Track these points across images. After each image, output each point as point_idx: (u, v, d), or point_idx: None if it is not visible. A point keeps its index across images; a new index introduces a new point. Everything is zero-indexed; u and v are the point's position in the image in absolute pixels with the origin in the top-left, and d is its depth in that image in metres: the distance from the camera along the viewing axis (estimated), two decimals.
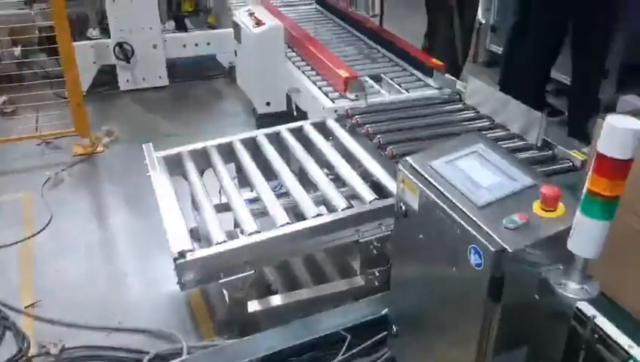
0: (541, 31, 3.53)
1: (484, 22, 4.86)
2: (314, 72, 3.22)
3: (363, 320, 1.95)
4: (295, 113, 3.25)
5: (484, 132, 2.53)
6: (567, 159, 2.27)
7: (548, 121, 2.42)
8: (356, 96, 2.85)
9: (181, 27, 4.74)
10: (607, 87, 3.67)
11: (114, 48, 4.07)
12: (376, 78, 3.17)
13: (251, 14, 3.38)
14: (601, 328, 1.44)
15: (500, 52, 4.71)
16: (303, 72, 3.23)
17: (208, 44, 4.42)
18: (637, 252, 1.41)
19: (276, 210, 2.10)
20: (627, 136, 1.05)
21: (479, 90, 2.76)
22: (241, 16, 3.52)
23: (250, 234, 1.95)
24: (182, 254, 1.83)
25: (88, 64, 4.11)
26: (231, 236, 2.20)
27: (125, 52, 4.09)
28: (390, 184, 2.17)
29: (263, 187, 2.27)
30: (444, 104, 2.85)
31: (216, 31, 4.53)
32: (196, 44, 4.39)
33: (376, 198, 2.08)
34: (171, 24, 4.70)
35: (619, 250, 1.22)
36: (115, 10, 4.02)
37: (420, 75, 3.13)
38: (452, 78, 3.04)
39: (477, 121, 2.62)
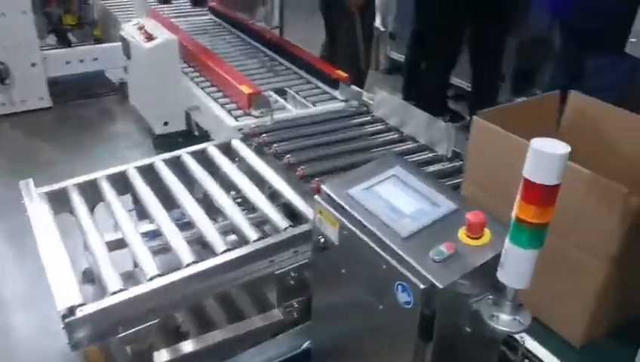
0: (440, 38, 3.59)
1: (383, 29, 4.90)
2: (214, 88, 3.03)
3: (283, 357, 1.80)
4: (196, 132, 3.04)
5: (394, 145, 2.49)
6: None
7: (456, 130, 2.41)
8: (261, 113, 2.70)
9: (64, 42, 4.34)
10: (505, 90, 3.80)
11: None
12: (281, 93, 3.05)
13: (141, 28, 3.12)
14: (532, 352, 1.39)
15: (401, 59, 4.78)
16: (203, 89, 3.03)
17: (95, 59, 4.06)
18: (565, 276, 1.37)
19: (180, 245, 1.89)
20: (554, 161, 0.99)
21: (386, 102, 2.71)
22: (129, 30, 3.24)
23: (150, 278, 1.73)
24: (71, 311, 1.58)
25: None
26: (131, 277, 1.96)
27: None
28: (303, 206, 2.04)
29: (163, 219, 2.04)
30: (352, 117, 2.77)
31: (103, 45, 4.18)
32: (81, 61, 4.02)
33: (290, 225, 1.94)
34: (53, 39, 4.29)
35: (547, 273, 1.21)
36: None
37: (325, 87, 3.04)
38: (358, 89, 2.97)
39: (386, 134, 2.56)
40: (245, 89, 2.71)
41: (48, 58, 3.88)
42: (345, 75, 2.94)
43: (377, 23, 4.98)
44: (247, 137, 2.58)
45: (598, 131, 1.61)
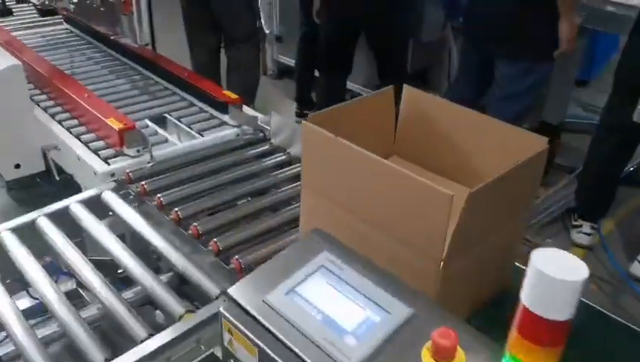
0: (330, 42, 3.32)
1: (268, 32, 4.54)
2: (75, 121, 2.49)
3: None
4: (58, 176, 2.48)
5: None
6: None
7: None
8: (138, 151, 2.23)
9: None
10: None
11: None
12: (160, 120, 2.58)
13: None
14: None
15: (290, 63, 4.45)
16: (60, 123, 2.48)
17: None
18: (404, 278, 1.17)
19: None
20: (570, 291, 0.70)
21: (284, 127, 2.36)
22: None
23: None
24: None
25: None
26: None
27: None
28: (199, 275, 1.65)
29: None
30: (248, 147, 2.38)
31: None
32: None
33: (189, 311, 1.53)
34: None
35: None
36: None
37: (213, 111, 2.61)
38: (252, 112, 2.59)
39: (291, 167, 2.21)
40: (115, 123, 2.22)
41: None
42: (235, 96, 2.54)
43: (262, 24, 4.62)
44: (122, 185, 2.11)
45: (433, 125, 1.57)
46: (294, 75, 4.07)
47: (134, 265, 1.73)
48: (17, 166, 2.58)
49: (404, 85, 1.64)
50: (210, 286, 1.62)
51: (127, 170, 2.11)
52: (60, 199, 2.81)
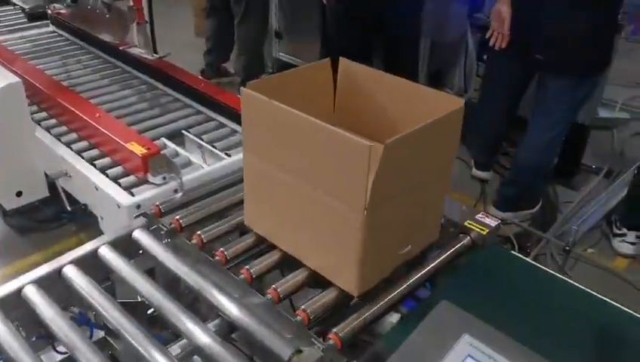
0: (349, 47, 3.10)
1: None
2: (85, 143, 2.24)
3: None
4: (69, 207, 2.23)
5: None
6: (461, 233, 1.82)
7: None
8: (164, 178, 2.01)
9: None
10: None
11: None
12: (177, 137, 2.35)
13: None
14: None
15: (291, 61, 4.23)
16: (68, 145, 2.22)
17: None
18: (332, 229, 1.41)
19: None
20: None
21: None
22: None
23: None
24: None
25: None
26: None
27: None
28: (263, 331, 1.46)
29: None
30: None
31: None
32: None
33: None
34: None
35: (318, 229, 1.43)
36: None
37: (235, 125, 2.39)
38: None
39: None
40: (137, 148, 1.99)
41: None
42: None
43: None
44: (152, 219, 1.88)
45: (367, 94, 1.67)
46: None
47: (181, 317, 1.52)
48: (19, 193, 2.32)
49: (340, 58, 1.69)
50: (279, 344, 1.43)
51: (157, 203, 1.89)
52: (64, 224, 2.58)
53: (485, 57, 3.21)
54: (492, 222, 1.80)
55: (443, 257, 1.69)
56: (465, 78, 3.54)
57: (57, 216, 2.54)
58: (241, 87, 1.49)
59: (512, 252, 1.73)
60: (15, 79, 2.16)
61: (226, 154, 2.23)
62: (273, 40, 4.19)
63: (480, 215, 1.81)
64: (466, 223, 1.77)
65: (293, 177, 1.46)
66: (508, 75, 2.84)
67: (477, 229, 1.77)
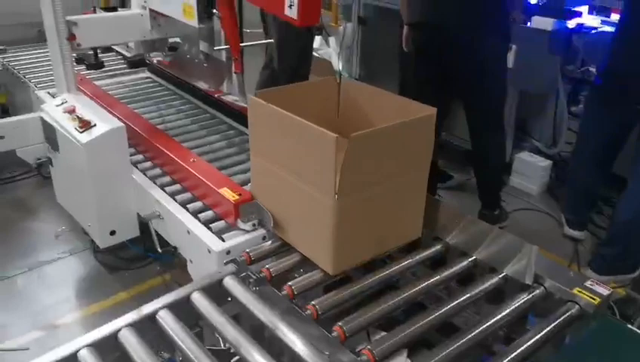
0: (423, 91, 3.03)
1: (347, 75, 4.35)
2: (178, 186, 2.29)
3: None
4: (160, 249, 2.28)
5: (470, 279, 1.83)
6: (569, 301, 1.69)
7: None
8: (254, 225, 2.01)
9: None
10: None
11: None
12: None
13: (71, 111, 2.33)
14: None
15: None
16: (162, 188, 2.29)
17: (2, 138, 3.17)
18: (312, 215, 1.65)
19: None
20: None
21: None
22: (53, 111, 2.43)
23: None
24: None
25: None
26: None
27: None
28: None
29: None
30: None
31: (11, 120, 3.29)
32: None
33: None
34: None
35: (300, 212, 1.72)
36: None
37: None
38: None
39: (455, 268, 1.88)
40: (229, 194, 2.01)
41: None
42: None
43: (335, 65, 4.44)
44: (241, 267, 1.88)
45: (364, 104, 1.97)
46: None
47: None
48: (112, 232, 2.40)
49: (341, 74, 2.08)
50: None
51: (247, 250, 1.89)
52: (149, 264, 2.64)
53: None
54: (604, 291, 1.66)
55: (550, 327, 1.56)
56: (555, 129, 3.40)
57: (144, 255, 2.61)
58: (250, 96, 1.77)
59: (630, 326, 1.58)
60: (118, 124, 2.27)
61: None
62: None
63: (589, 282, 1.68)
64: (574, 290, 1.65)
65: (285, 171, 1.72)
66: (605, 126, 2.71)
67: (587, 298, 1.63)
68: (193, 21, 2.34)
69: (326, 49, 4.30)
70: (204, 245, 1.96)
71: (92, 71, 3.02)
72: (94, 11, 3.22)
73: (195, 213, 2.12)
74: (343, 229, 1.59)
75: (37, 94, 3.08)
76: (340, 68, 4.37)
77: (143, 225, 2.35)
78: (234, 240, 1.97)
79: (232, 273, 1.83)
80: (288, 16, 1.83)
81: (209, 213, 2.12)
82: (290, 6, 1.82)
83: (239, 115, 2.77)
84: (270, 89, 1.99)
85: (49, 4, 2.36)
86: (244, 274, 1.86)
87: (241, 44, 2.33)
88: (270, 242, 1.96)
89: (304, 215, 1.71)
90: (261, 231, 2.01)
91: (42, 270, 2.62)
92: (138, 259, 2.64)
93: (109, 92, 3.08)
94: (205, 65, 2.53)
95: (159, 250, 2.27)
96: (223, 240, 1.97)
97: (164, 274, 2.59)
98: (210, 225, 2.04)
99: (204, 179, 2.12)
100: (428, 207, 1.93)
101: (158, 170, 2.42)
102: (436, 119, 2.91)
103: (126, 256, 2.64)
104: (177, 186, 2.29)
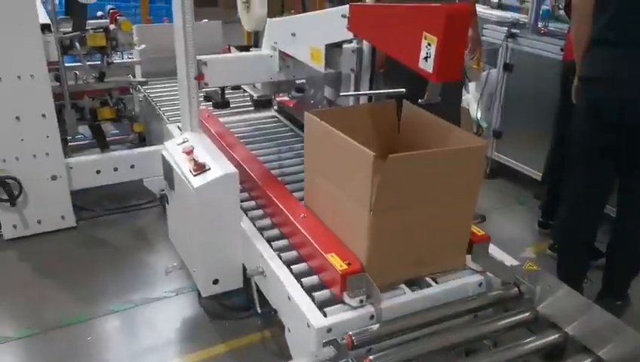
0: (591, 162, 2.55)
1: (485, 126, 3.97)
2: (285, 242, 2.12)
3: None
4: (259, 309, 2.11)
5: None
6: None
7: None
8: (361, 301, 1.75)
9: (99, 140, 3.60)
10: None
11: None
12: None
13: (189, 152, 2.27)
14: None
15: (508, 163, 3.82)
16: (269, 242, 2.12)
17: (132, 167, 3.27)
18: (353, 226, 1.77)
19: None
20: None
21: (559, 292, 1.72)
22: (173, 149, 2.40)
23: None
24: None
25: None
26: None
27: (9, 190, 2.88)
28: None
29: None
30: (499, 309, 1.80)
31: (142, 150, 3.40)
32: (115, 169, 3.23)
33: None
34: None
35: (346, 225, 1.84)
36: None
37: None
38: (504, 258, 1.99)
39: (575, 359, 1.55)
40: (337, 262, 1.78)
41: (75, 168, 3.10)
42: (482, 233, 1.98)
43: (474, 116, 4.08)
44: (342, 352, 1.63)
45: (422, 130, 1.98)
46: (542, 177, 3.41)
47: None
48: (216, 281, 2.28)
49: (404, 101, 2.04)
50: None
51: (350, 332, 1.64)
52: (251, 316, 2.49)
53: None
54: None
55: None
56: None
57: (247, 306, 2.47)
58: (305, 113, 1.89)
59: None
60: (232, 170, 2.16)
61: (433, 279, 1.91)
62: (491, 138, 3.84)
63: None
64: None
65: (332, 185, 1.86)
66: None
67: None
68: (320, 66, 2.19)
69: (465, 95, 3.96)
70: (303, 317, 1.74)
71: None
72: (229, 49, 3.25)
73: (298, 276, 1.92)
74: (376, 244, 1.69)
75: (167, 127, 3.13)
76: (479, 117, 4.01)
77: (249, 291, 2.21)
78: (337, 316, 1.73)
79: (330, 359, 1.60)
80: (423, 69, 1.59)
81: (314, 279, 1.91)
82: (426, 58, 1.57)
83: None
84: (328, 109, 2.18)
85: (182, 43, 2.34)
86: (344, 360, 1.61)
87: (367, 92, 2.13)
88: (378, 325, 1.70)
89: (346, 229, 1.84)
90: (369, 309, 1.75)
91: (148, 307, 2.57)
92: (240, 309, 2.50)
93: (233, 129, 3.04)
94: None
95: (259, 310, 2.10)
96: (325, 315, 1.73)
97: (265, 331, 2.42)
98: (314, 294, 1.82)
99: (311, 240, 1.92)
100: (542, 284, 1.78)
101: (267, 221, 2.27)
102: (598, 191, 2.48)
103: (229, 304, 2.51)
104: (284, 242, 2.12)
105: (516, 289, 1.86)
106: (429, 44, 1.56)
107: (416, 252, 1.78)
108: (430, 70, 1.57)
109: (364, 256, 1.72)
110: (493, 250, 2.02)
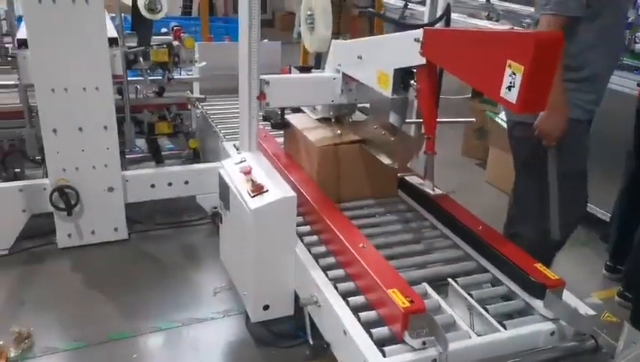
0: None
1: None
2: (342, 272, 2.02)
3: None
4: (311, 340, 2.01)
5: None
6: None
7: None
8: (423, 343, 1.64)
9: (155, 150, 3.62)
10: None
11: (51, 194, 2.89)
12: (437, 281, 2.00)
13: (246, 172, 2.22)
14: None
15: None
16: (324, 271, 2.04)
17: (186, 183, 3.26)
18: None
19: None
20: None
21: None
22: (230, 168, 2.36)
23: None
24: None
25: (14, 213, 2.94)
26: None
27: (67, 199, 2.90)
28: None
29: None
30: (572, 359, 1.64)
31: (197, 166, 3.39)
32: (169, 184, 3.23)
33: None
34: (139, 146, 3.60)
35: None
36: (55, 142, 2.87)
37: (515, 287, 1.93)
38: (578, 305, 1.84)
39: None
40: (398, 299, 1.67)
41: (130, 181, 3.11)
42: (556, 277, 1.83)
43: None
44: None
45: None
46: (611, 217, 3.22)
47: None
48: (266, 307, 2.20)
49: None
50: None
51: None
52: (299, 345, 2.40)
53: None
54: None
55: None
56: None
57: (295, 334, 2.38)
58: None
59: None
60: (290, 193, 2.10)
61: (501, 324, 1.77)
62: None
63: None
64: None
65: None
66: None
67: None
68: (387, 91, 2.11)
69: None
70: (360, 355, 1.64)
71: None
72: (289, 70, 3.22)
73: (355, 310, 1.82)
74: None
75: (223, 145, 3.11)
76: None
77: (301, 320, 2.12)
78: (397, 357, 1.61)
79: None
80: (505, 99, 1.48)
81: (372, 314, 1.80)
82: (510, 88, 1.47)
83: (421, 198, 2.46)
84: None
85: (246, 61, 2.32)
86: None
87: (438, 120, 2.03)
88: None
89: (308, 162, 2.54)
90: (432, 353, 1.62)
91: (193, 328, 2.52)
92: (289, 337, 2.41)
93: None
94: (392, 139, 2.28)
95: (310, 341, 2.00)
96: (384, 355, 1.62)
97: None
98: (372, 331, 1.72)
99: (372, 273, 1.82)
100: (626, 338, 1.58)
101: (323, 248, 2.18)
102: None
103: (277, 330, 2.43)
104: (341, 271, 2.02)
105: (593, 341, 1.70)
106: (514, 73, 1.46)
107: (355, 178, 2.52)
108: (514, 101, 1.47)
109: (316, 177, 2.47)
110: (568, 297, 1.87)
